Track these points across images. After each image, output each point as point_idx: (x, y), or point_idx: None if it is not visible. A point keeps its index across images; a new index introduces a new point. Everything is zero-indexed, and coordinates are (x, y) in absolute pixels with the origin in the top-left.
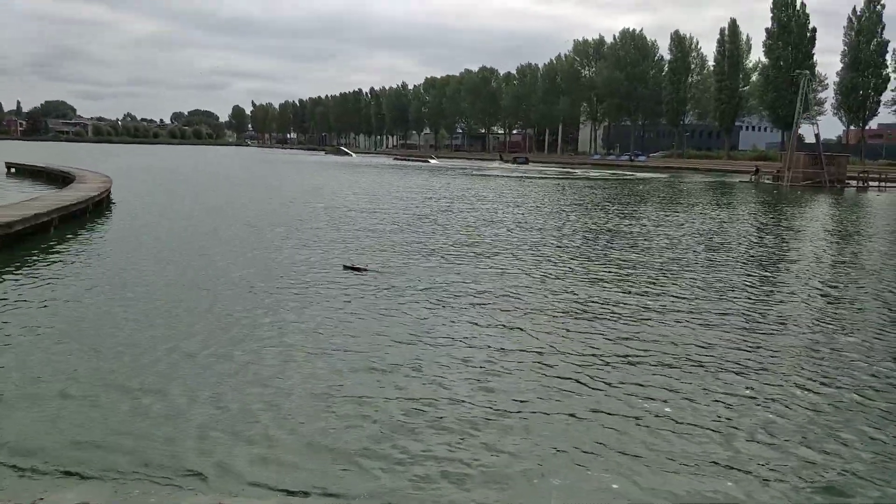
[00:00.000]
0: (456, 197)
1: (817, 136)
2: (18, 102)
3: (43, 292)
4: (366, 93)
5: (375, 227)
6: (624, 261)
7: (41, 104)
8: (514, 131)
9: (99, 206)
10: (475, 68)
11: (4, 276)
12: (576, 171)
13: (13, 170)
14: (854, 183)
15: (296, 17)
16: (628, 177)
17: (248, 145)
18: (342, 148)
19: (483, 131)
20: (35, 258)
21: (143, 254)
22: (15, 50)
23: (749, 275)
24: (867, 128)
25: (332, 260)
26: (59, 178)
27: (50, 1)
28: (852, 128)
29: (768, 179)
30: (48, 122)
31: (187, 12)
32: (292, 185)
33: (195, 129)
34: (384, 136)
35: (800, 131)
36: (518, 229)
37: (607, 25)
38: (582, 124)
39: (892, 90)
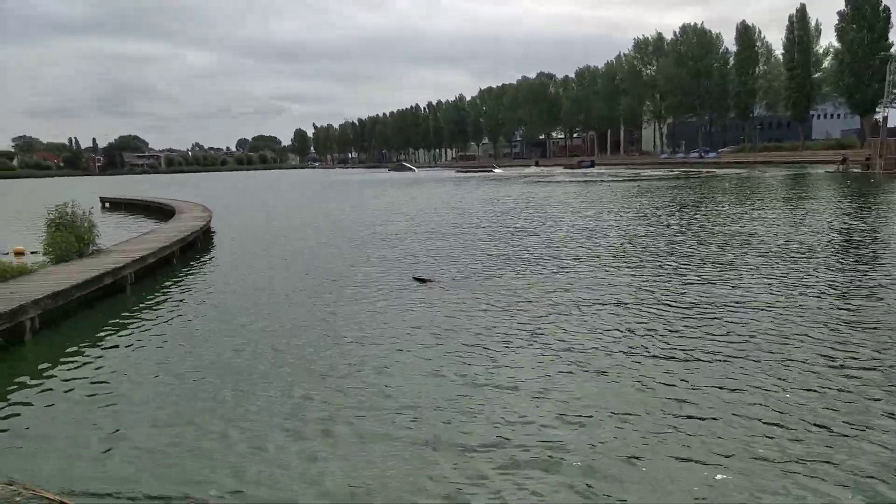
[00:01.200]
0: (540, 205)
1: None
2: (94, 140)
3: (184, 325)
4: (423, 108)
5: (473, 242)
6: (764, 269)
7: (115, 139)
8: (574, 135)
9: (206, 236)
10: (531, 75)
11: (151, 308)
12: (647, 171)
13: (107, 204)
14: None
15: (344, 40)
16: (706, 174)
17: (312, 167)
18: (404, 164)
19: (542, 137)
20: (170, 290)
21: (258, 280)
22: (79, 90)
23: None
24: None
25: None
26: (155, 209)
27: (107, 40)
28: None
29: (857, 168)
30: (123, 156)
31: (240, 43)
32: (371, 203)
33: (260, 154)
34: (443, 149)
35: (882, 116)
36: (623, 239)
37: (659, 23)
38: (645, 123)
39: None
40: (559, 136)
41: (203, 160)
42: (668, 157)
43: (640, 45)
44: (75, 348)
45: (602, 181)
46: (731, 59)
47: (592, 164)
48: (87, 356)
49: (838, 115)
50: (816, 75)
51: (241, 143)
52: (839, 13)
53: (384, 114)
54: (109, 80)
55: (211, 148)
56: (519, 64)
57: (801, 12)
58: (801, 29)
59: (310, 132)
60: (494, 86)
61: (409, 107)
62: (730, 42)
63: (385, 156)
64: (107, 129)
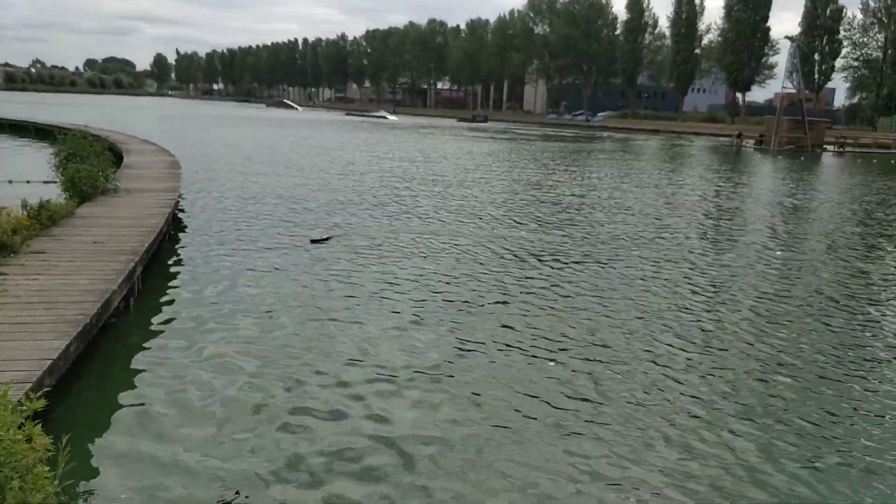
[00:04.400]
0: (491, 161)
1: (801, 101)
2: None
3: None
4: (300, 42)
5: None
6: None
7: None
8: (455, 87)
9: None
10: (408, 20)
11: (204, 260)
12: (542, 130)
13: None
14: (831, 148)
15: None
16: (607, 137)
17: (169, 95)
18: (286, 101)
19: (425, 86)
20: (205, 235)
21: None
22: None
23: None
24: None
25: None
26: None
27: None
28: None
29: (749, 143)
30: None
31: None
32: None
33: (115, 77)
34: (320, 89)
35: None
36: (640, 216)
37: None
38: (530, 82)
39: (842, 57)
40: (443, 87)
41: (49, 79)
42: (556, 118)
43: (534, 3)
44: (176, 314)
45: (519, 139)
46: (618, 25)
47: (485, 119)
48: (194, 321)
49: (704, 91)
50: (697, 51)
51: (90, 63)
52: None
53: (256, 45)
54: None
55: (55, 66)
56: (391, 6)
57: None
58: (689, 4)
59: (171, 58)
60: (367, 27)
61: (285, 40)
62: (618, 9)
63: (254, 90)
64: None
